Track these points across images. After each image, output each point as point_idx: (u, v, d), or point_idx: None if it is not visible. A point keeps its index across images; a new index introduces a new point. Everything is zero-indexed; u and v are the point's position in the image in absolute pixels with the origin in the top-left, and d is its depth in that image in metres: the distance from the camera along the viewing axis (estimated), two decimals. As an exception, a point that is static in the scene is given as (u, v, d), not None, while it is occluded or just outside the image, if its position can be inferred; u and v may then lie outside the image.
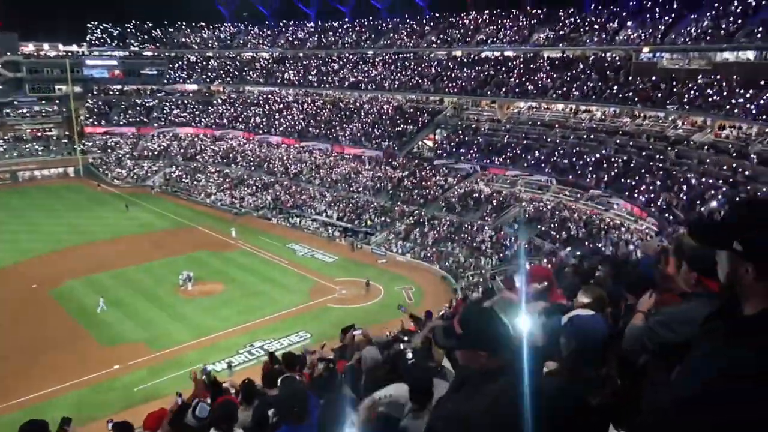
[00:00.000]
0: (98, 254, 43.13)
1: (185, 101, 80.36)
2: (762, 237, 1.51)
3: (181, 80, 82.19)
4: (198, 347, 29.08)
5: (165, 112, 78.63)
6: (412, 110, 62.18)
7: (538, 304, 4.87)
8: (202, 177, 66.43)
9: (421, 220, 47.76)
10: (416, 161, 55.92)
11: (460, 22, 65.56)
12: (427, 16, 70.41)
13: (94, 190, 64.65)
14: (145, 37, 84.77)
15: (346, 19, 78.09)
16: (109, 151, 72.99)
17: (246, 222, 53.29)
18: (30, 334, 30.05)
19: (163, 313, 33.34)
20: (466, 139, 54.60)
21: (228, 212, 56.35)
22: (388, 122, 62.04)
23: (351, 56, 72.84)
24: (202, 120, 77.28)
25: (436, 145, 56.96)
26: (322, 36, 77.40)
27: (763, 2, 42.37)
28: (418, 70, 64.78)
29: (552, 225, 41.31)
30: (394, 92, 64.83)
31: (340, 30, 76.78)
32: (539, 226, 41.85)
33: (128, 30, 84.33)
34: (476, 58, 62.13)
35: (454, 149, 54.36)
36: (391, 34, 70.40)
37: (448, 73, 61.78)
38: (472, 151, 52.65)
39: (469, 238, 43.51)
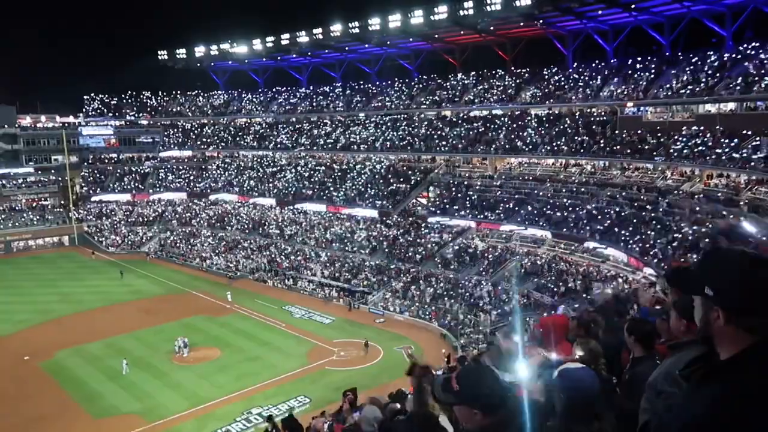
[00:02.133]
0: (91, 323, 42.49)
1: (180, 167, 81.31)
2: (730, 283, 1.60)
3: (176, 147, 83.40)
4: (194, 417, 28.25)
5: (160, 178, 79.38)
6: (404, 169, 63.07)
7: (538, 357, 4.81)
8: (197, 241, 66.39)
9: (418, 277, 47.59)
10: (410, 219, 56.24)
11: (448, 83, 67.50)
12: (416, 79, 72.49)
13: (88, 258, 64.32)
14: (141, 106, 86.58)
15: (338, 84, 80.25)
16: (104, 218, 73.16)
17: (242, 285, 52.87)
18: (20, 409, 29.13)
19: (158, 382, 32.55)
20: (459, 195, 55.17)
21: (223, 276, 55.99)
22: (381, 181, 62.78)
23: (343, 119, 74.46)
24: (197, 185, 78.00)
25: (429, 203, 57.47)
26: (314, 100, 79.32)
27: (739, 56, 44.11)
28: (409, 130, 66.12)
29: (550, 278, 41.25)
30: (386, 152, 65.92)
31: (331, 94, 78.76)
32: (537, 280, 41.78)
33: (124, 100, 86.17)
34: (465, 116, 63.63)
35: (447, 206, 54.82)
36: (382, 97, 72.23)
37: (439, 132, 63.09)
38: (465, 207, 53.10)
39: (467, 294, 43.26)
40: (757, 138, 38.20)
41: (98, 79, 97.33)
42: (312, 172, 70.81)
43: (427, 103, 66.97)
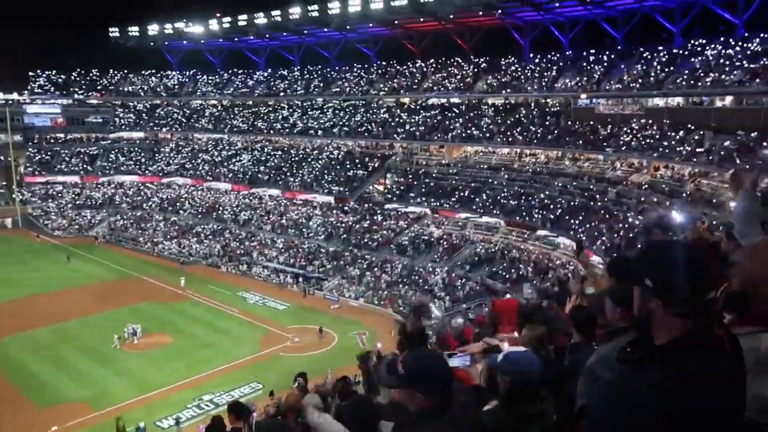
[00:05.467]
0: (37, 309, 40.97)
1: (131, 149, 78.87)
2: (668, 275, 1.70)
3: (127, 128, 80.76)
4: (144, 404, 27.77)
5: (110, 160, 76.85)
6: (362, 155, 62.94)
7: (480, 344, 4.95)
8: (148, 225, 64.77)
9: (374, 264, 47.78)
10: (367, 206, 56.28)
11: (407, 70, 67.47)
12: (375, 65, 72.16)
13: (33, 241, 61.88)
14: (90, 84, 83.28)
15: (296, 68, 79.10)
16: (51, 200, 70.47)
17: (194, 271, 51.94)
18: (-42, 398, 28.05)
19: (107, 370, 31.78)
20: (416, 183, 55.50)
21: (175, 261, 54.84)
22: (338, 167, 62.50)
23: (301, 103, 73.59)
24: (149, 168, 75.85)
25: (386, 190, 57.59)
26: (272, 84, 78.03)
27: (686, 52, 45.62)
28: (368, 116, 65.94)
29: (503, 265, 42.09)
30: (344, 138, 65.58)
31: (289, 78, 77.60)
32: (489, 267, 42.57)
33: (73, 78, 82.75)
34: (423, 104, 63.86)
35: (404, 193, 55.09)
36: (341, 82, 71.67)
37: (397, 119, 63.14)
38: (422, 195, 53.48)
39: (422, 280, 43.72)
40: (701, 131, 39.73)
41: (45, 54, 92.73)
42: (268, 156, 69.91)
43: (386, 89, 66.82)
